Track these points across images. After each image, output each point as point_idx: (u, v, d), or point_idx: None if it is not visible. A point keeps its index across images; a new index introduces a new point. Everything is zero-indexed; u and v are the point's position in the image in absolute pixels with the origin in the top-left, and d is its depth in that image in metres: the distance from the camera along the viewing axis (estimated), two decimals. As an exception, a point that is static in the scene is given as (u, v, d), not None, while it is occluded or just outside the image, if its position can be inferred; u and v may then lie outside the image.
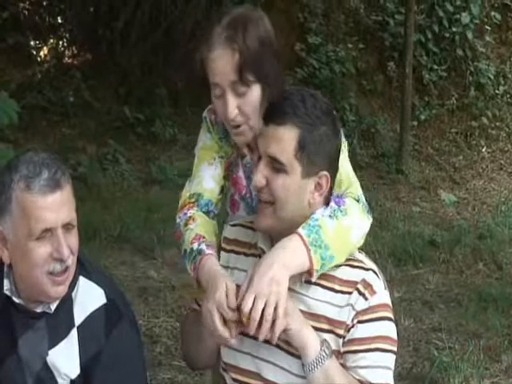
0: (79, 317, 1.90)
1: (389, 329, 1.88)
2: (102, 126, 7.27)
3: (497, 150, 8.41)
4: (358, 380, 1.84)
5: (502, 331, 4.51)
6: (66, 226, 1.83)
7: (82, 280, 1.93)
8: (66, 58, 8.23)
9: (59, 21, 8.35)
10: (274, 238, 1.92)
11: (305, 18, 8.46)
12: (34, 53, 8.17)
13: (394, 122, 8.10)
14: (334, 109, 1.97)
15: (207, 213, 2.09)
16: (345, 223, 1.89)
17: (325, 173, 1.86)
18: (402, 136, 7.55)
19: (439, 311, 4.84)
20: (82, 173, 6.32)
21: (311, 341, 1.81)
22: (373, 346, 1.85)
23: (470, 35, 8.93)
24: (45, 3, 8.19)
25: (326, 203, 1.91)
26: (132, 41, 7.46)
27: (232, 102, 1.96)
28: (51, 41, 8.24)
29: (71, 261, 1.85)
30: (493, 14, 9.45)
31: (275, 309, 1.76)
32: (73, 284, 1.91)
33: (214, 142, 2.16)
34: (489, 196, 7.36)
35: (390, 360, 1.88)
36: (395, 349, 1.90)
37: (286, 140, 1.81)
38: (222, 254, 2.01)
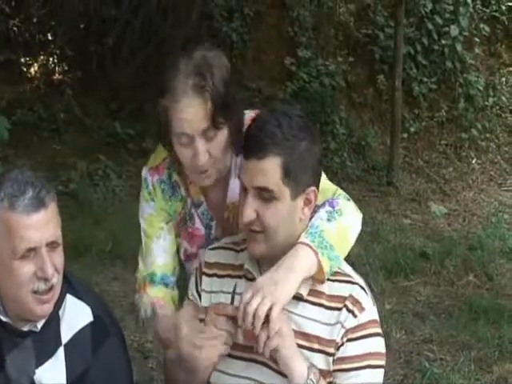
0: (66, 335, 1.90)
1: (378, 344, 1.90)
2: (93, 142, 7.27)
3: (487, 162, 8.44)
4: None
5: (492, 342, 4.52)
6: (51, 245, 1.82)
7: (68, 298, 1.93)
8: (57, 75, 8.24)
9: (49, 37, 8.37)
10: (264, 260, 1.93)
11: (295, 32, 8.50)
12: (25, 69, 8.18)
13: (384, 134, 8.13)
14: (320, 121, 1.97)
15: (165, 285, 2.13)
16: (343, 223, 1.92)
17: (312, 188, 1.88)
18: (393, 148, 7.58)
19: (430, 323, 4.84)
20: (72, 189, 6.33)
21: (299, 369, 1.81)
22: (363, 363, 1.86)
23: (459, 47, 8.97)
24: (35, 20, 8.20)
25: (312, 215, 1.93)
26: (123, 57, 7.50)
27: (202, 149, 1.92)
28: (41, 57, 8.26)
29: (56, 279, 1.85)
30: (482, 26, 9.52)
31: (270, 309, 1.75)
32: (59, 302, 1.91)
33: (159, 208, 2.13)
34: (479, 207, 7.38)
35: (379, 375, 1.90)
36: (384, 363, 1.92)
37: (270, 170, 1.81)
38: (204, 278, 2.00)
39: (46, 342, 1.89)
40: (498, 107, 9.19)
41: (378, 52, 8.78)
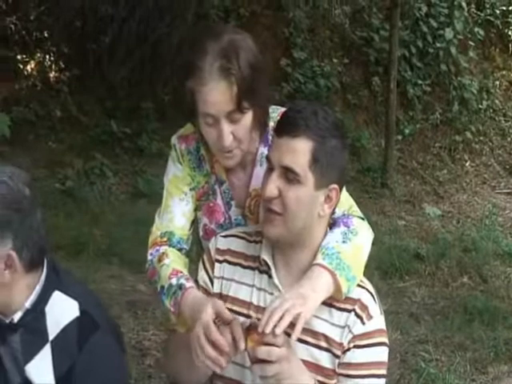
0: (53, 331, 1.90)
1: (383, 354, 1.92)
2: (89, 140, 7.28)
3: (480, 165, 8.50)
4: None
5: (487, 343, 4.58)
6: None
7: (56, 294, 1.93)
8: (53, 73, 8.23)
9: (46, 35, 8.36)
10: (277, 249, 1.94)
11: (290, 33, 8.54)
12: (21, 67, 8.17)
13: (378, 136, 8.17)
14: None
15: (179, 250, 2.08)
16: (358, 243, 1.93)
17: (335, 186, 1.88)
18: (387, 150, 7.61)
19: (425, 324, 4.89)
20: (69, 187, 6.34)
21: None
22: (368, 372, 1.88)
23: (453, 51, 9.03)
24: (32, 17, 8.19)
25: (333, 219, 1.95)
26: (119, 56, 7.49)
27: (227, 130, 1.94)
28: (38, 55, 8.25)
29: None
30: (476, 29, 9.57)
31: (295, 318, 1.74)
32: (46, 298, 1.91)
33: (186, 173, 2.13)
34: (473, 210, 7.43)
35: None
36: (386, 372, 1.93)
37: (300, 151, 1.82)
38: (216, 265, 2.00)
39: (32, 338, 1.89)
40: (491, 110, 9.25)
41: (373, 54, 8.82)
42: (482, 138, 8.85)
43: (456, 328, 4.80)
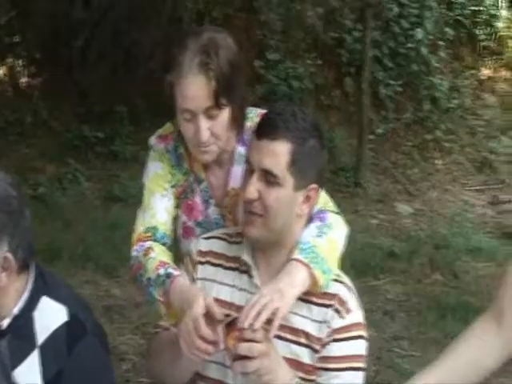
0: (41, 336, 1.90)
1: (361, 347, 1.95)
2: (61, 146, 7.26)
3: (451, 163, 8.58)
4: None
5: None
6: None
7: (43, 299, 1.93)
8: (24, 78, 8.21)
9: (17, 40, 8.33)
10: (258, 249, 1.97)
11: (263, 35, 8.58)
12: (-8, 72, 8.15)
13: (351, 136, 8.22)
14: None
15: (163, 245, 2.11)
16: (333, 237, 1.98)
17: (314, 186, 1.92)
18: (360, 150, 7.66)
19: (400, 320, 4.95)
20: (41, 193, 6.32)
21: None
22: (346, 365, 1.92)
23: (424, 51, 9.12)
24: (2, 22, 8.16)
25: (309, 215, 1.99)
26: (91, 60, 7.48)
27: (204, 126, 1.99)
28: (9, 60, 8.22)
29: None
30: (446, 29, 9.70)
31: (273, 313, 1.78)
32: (34, 304, 1.92)
33: (166, 171, 2.16)
34: (444, 207, 7.50)
35: (360, 377, 1.96)
36: (365, 365, 1.97)
37: (279, 154, 1.86)
38: (198, 267, 2.03)
39: (20, 343, 1.90)
40: (461, 109, 9.35)
41: (346, 55, 8.88)
42: (452, 137, 8.93)
43: (429, 324, 4.86)
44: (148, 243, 2.08)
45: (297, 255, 1.90)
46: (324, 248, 1.93)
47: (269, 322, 1.79)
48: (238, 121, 2.07)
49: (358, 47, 8.16)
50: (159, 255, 2.03)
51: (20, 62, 8.26)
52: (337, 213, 2.08)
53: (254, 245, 1.98)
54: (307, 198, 1.93)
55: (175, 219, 2.20)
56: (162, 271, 1.95)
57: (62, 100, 7.65)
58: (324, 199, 2.08)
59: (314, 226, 1.98)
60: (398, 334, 4.71)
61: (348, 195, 7.40)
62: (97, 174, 7.00)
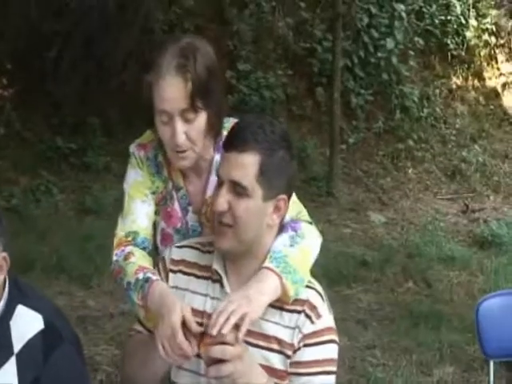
0: (18, 344, 1.91)
1: (332, 351, 1.98)
2: (34, 157, 7.24)
3: (423, 172, 8.68)
4: None
5: (432, 346, 4.69)
6: None
7: (19, 308, 1.95)
8: (-4, 89, 8.18)
9: (-12, 51, 8.29)
10: (228, 259, 2.00)
11: (234, 45, 8.62)
12: (-37, 84, 8.10)
13: (323, 145, 8.29)
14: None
15: (143, 249, 2.14)
16: (304, 246, 2.00)
17: (283, 196, 1.95)
18: (332, 159, 7.74)
19: (372, 329, 4.98)
20: (15, 205, 6.30)
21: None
22: (317, 369, 1.95)
23: (394, 60, 9.23)
24: (-26, 33, 8.12)
25: (281, 225, 2.02)
26: (64, 71, 7.46)
27: (180, 129, 2.03)
28: (-20, 71, 8.18)
29: None
30: (416, 39, 9.81)
31: (242, 318, 1.82)
32: (10, 312, 1.93)
33: (146, 178, 2.19)
34: (416, 216, 7.59)
35: (332, 380, 1.99)
36: (335, 369, 2.00)
37: (248, 165, 1.89)
38: (170, 275, 2.06)
39: None
40: (432, 118, 9.46)
41: (317, 65, 8.96)
42: (423, 146, 9.04)
43: (402, 332, 4.91)
44: (128, 248, 2.11)
45: (268, 263, 1.94)
46: (296, 258, 1.96)
47: (237, 327, 1.83)
48: (214, 128, 2.11)
49: (329, 57, 8.23)
50: (139, 260, 2.06)
51: (-9, 72, 8.22)
52: (310, 222, 2.11)
53: (225, 255, 2.01)
54: (277, 208, 1.96)
55: (155, 225, 2.23)
56: (140, 276, 1.99)
57: (35, 111, 7.62)
58: (298, 208, 2.12)
59: (286, 235, 2.01)
60: (371, 343, 4.74)
61: (320, 204, 7.45)
62: (70, 185, 6.99)
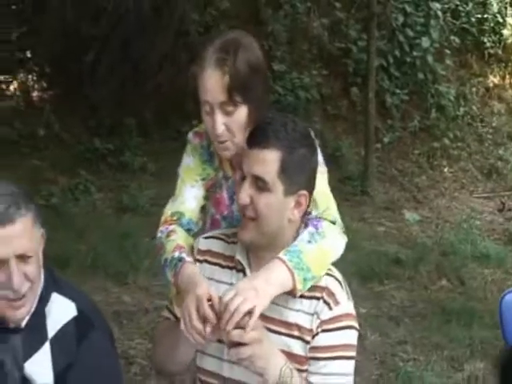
0: (52, 330, 2.02)
1: (351, 337, 2.02)
2: (73, 158, 7.39)
3: (458, 170, 8.64)
4: None
5: (464, 342, 4.70)
6: (21, 257, 1.94)
7: (54, 295, 2.06)
8: (36, 92, 8.36)
9: (28, 55, 8.48)
10: (251, 251, 2.07)
11: (270, 46, 8.68)
12: (4, 87, 8.30)
13: (358, 145, 8.30)
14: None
15: (187, 231, 2.21)
16: (323, 246, 2.02)
17: (304, 192, 2.00)
18: (367, 159, 7.75)
19: (404, 325, 5.00)
20: (54, 203, 6.43)
21: (275, 367, 1.94)
22: (335, 354, 1.99)
23: (430, 59, 9.20)
24: (14, 38, 8.31)
25: (303, 220, 2.06)
26: (101, 74, 7.60)
27: (219, 120, 2.10)
28: (21, 75, 8.38)
29: (26, 288, 1.96)
30: (452, 37, 9.76)
31: (250, 313, 1.86)
32: (45, 300, 2.04)
33: (198, 165, 2.28)
34: (451, 214, 7.55)
35: (350, 366, 2.03)
36: (355, 354, 2.04)
37: (269, 162, 1.95)
38: (197, 264, 2.11)
39: (32, 337, 2.01)
40: (468, 116, 9.41)
41: (352, 65, 8.98)
42: (459, 144, 9.00)
43: (434, 329, 4.92)
44: (172, 227, 2.19)
45: (281, 255, 1.98)
46: (311, 256, 1.99)
47: (249, 314, 1.87)
48: (255, 122, 2.13)
49: (364, 57, 8.24)
50: (179, 239, 2.14)
51: (31, 76, 8.41)
52: (333, 222, 2.12)
53: (248, 247, 2.07)
54: (298, 204, 2.01)
55: (204, 210, 2.31)
56: (176, 254, 2.07)
57: (73, 113, 7.78)
58: (326, 204, 2.14)
59: (307, 231, 2.05)
60: (402, 339, 4.76)
61: (355, 203, 7.47)
62: (107, 185, 7.12)
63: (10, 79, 8.33)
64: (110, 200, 6.88)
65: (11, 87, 8.32)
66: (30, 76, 8.40)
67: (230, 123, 2.11)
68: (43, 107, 7.84)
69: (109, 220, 6.47)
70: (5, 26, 8.21)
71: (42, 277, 2.06)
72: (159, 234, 2.19)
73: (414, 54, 9.13)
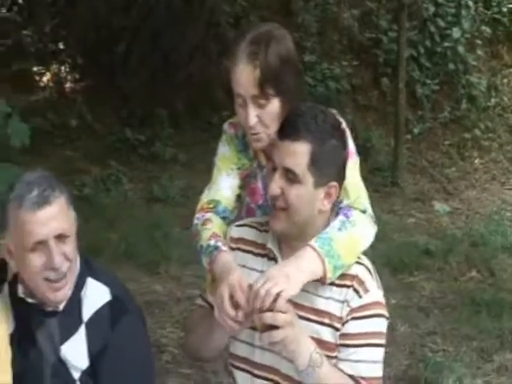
0: (87, 314, 2.09)
1: (380, 325, 2.05)
2: (105, 148, 7.48)
3: (489, 161, 8.57)
4: (350, 375, 2.01)
5: (493, 333, 4.69)
6: (59, 237, 2.01)
7: (89, 280, 2.13)
8: (69, 83, 8.46)
9: (61, 47, 8.58)
10: (282, 240, 2.10)
11: (300, 37, 8.67)
12: (37, 78, 8.41)
13: (388, 136, 8.27)
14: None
15: (223, 218, 2.25)
16: (354, 234, 2.06)
17: (334, 183, 2.03)
18: (397, 150, 7.72)
19: (434, 316, 5.01)
20: (86, 193, 6.52)
21: (305, 353, 1.96)
22: (364, 341, 2.02)
23: (461, 49, 9.14)
24: (47, 30, 8.42)
25: (334, 209, 2.09)
26: (132, 65, 7.67)
27: (252, 112, 2.13)
28: (53, 66, 8.48)
29: (66, 268, 2.03)
30: (483, 28, 9.67)
31: (278, 294, 1.89)
32: (81, 284, 2.11)
33: (233, 154, 2.32)
34: (482, 206, 7.51)
35: (379, 354, 2.06)
36: (384, 342, 2.07)
37: (299, 154, 1.98)
38: (231, 253, 2.16)
39: (69, 320, 2.08)
40: (500, 107, 9.32)
41: (382, 55, 8.96)
42: (490, 135, 8.91)
43: (464, 320, 4.91)
44: (208, 214, 2.24)
45: (313, 242, 2.01)
46: (341, 243, 2.02)
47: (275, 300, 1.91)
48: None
49: (394, 47, 8.21)
50: (215, 227, 2.18)
51: (64, 68, 8.51)
52: (363, 211, 2.15)
53: (279, 236, 2.11)
54: (328, 195, 2.04)
55: (240, 199, 2.35)
56: (212, 242, 2.11)
57: (105, 104, 7.87)
58: (356, 193, 2.17)
59: (338, 220, 2.08)
60: (432, 330, 4.77)
61: (385, 194, 7.46)
62: (138, 175, 7.19)
63: (43, 70, 8.43)
64: (141, 191, 6.95)
65: (44, 78, 8.42)
66: (62, 67, 8.50)
67: (262, 115, 2.13)
68: (75, 98, 7.94)
69: (140, 210, 6.55)
70: (38, 18, 8.31)
71: (78, 265, 2.12)
72: (195, 221, 2.24)
73: (445, 44, 9.07)
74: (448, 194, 7.78)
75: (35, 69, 8.40)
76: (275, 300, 1.89)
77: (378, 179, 7.68)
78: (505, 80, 9.66)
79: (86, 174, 6.86)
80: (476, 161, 8.55)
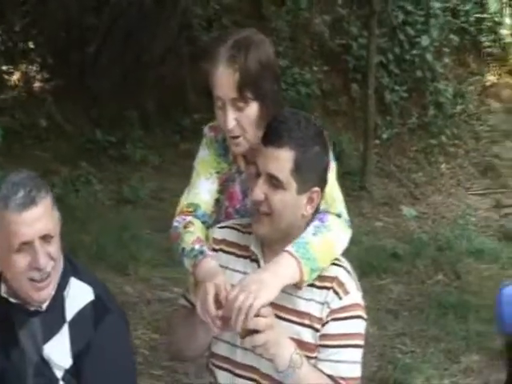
0: (70, 313, 2.10)
1: (359, 326, 2.07)
2: (75, 149, 7.42)
3: (455, 167, 8.72)
4: (328, 375, 2.04)
5: (460, 335, 4.79)
6: (44, 238, 2.01)
7: (72, 280, 2.13)
8: (38, 82, 8.39)
9: (31, 46, 8.51)
10: (265, 243, 2.12)
11: (273, 41, 8.69)
12: (6, 77, 8.33)
13: (357, 141, 8.35)
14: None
15: (203, 223, 2.26)
16: (329, 238, 2.07)
17: (316, 189, 2.05)
18: (366, 154, 7.81)
19: (402, 318, 5.09)
20: (56, 194, 6.43)
21: (285, 355, 1.99)
22: (344, 342, 2.05)
23: (429, 57, 9.28)
24: (17, 29, 8.35)
25: (314, 214, 2.11)
26: (103, 65, 7.65)
27: (231, 115, 2.15)
28: (23, 66, 8.41)
29: (51, 267, 2.04)
30: (451, 36, 9.85)
31: (250, 306, 1.91)
32: (64, 284, 2.11)
33: (212, 158, 2.33)
34: (447, 210, 7.64)
35: (358, 355, 2.08)
36: (363, 343, 2.09)
37: (283, 161, 1.99)
38: (212, 253, 2.17)
39: (52, 320, 2.09)
40: (465, 114, 9.50)
41: (352, 61, 9.06)
42: (456, 142, 9.08)
43: (431, 322, 5.00)
44: (189, 218, 2.24)
45: (289, 247, 2.04)
46: (317, 247, 2.04)
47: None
48: (267, 119, 2.17)
49: (364, 54, 8.31)
50: (197, 231, 2.19)
51: (34, 67, 8.44)
52: (338, 215, 2.18)
53: (262, 239, 2.13)
54: (310, 200, 2.07)
55: (218, 203, 2.35)
56: (197, 246, 2.12)
57: (75, 104, 7.81)
58: (332, 198, 2.19)
59: (312, 225, 2.10)
60: (400, 332, 4.85)
61: (354, 198, 7.51)
62: (108, 176, 7.15)
63: (12, 69, 8.36)
64: (111, 192, 6.91)
65: (13, 77, 8.35)
66: (32, 67, 8.42)
67: (241, 119, 2.16)
68: (45, 98, 7.87)
69: (109, 212, 6.51)
70: (8, 16, 8.24)
71: (62, 261, 2.13)
72: (175, 224, 2.24)
73: (414, 51, 9.22)
74: (415, 198, 7.89)
75: (4, 67, 8.31)
76: (248, 313, 1.91)
77: (347, 183, 7.72)
78: (471, 87, 9.84)
79: (55, 175, 6.80)
80: (442, 166, 8.68)
